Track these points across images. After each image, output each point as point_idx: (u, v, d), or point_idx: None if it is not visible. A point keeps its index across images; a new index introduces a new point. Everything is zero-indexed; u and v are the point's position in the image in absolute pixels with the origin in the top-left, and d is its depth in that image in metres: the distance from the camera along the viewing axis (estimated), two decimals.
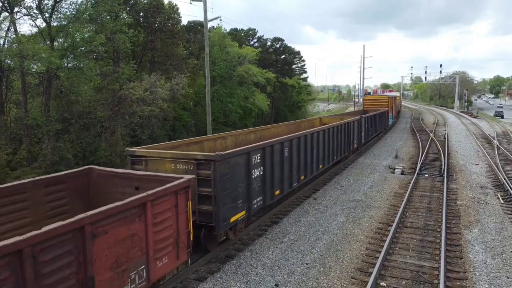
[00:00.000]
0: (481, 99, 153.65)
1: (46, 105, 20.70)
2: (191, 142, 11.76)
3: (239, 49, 39.56)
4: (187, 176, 7.24)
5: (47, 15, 20.70)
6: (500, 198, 14.35)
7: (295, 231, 11.10)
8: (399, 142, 31.15)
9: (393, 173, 19.11)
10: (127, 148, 10.10)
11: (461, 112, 76.06)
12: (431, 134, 34.98)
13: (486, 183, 16.73)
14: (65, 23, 20.83)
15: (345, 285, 8.04)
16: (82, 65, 21.34)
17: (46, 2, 20.77)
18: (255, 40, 53.47)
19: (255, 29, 53.43)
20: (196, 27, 39.47)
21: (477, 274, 8.45)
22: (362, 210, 13.14)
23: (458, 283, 8.04)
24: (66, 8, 21.38)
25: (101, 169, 8.12)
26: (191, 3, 23.28)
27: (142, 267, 6.13)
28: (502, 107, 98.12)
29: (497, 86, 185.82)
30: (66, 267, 4.91)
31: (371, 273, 8.17)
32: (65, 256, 4.89)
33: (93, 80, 23.02)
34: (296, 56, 58.49)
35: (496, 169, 19.15)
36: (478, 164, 21.17)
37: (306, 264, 9.02)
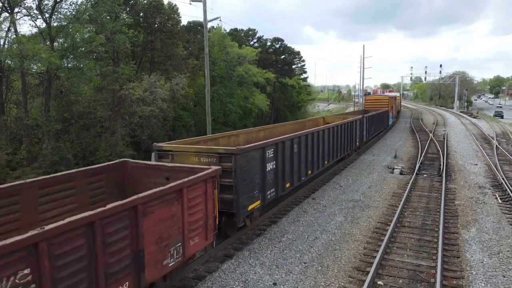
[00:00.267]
0: (481, 99, 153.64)
1: (46, 105, 20.77)
2: (208, 139, 12.85)
3: (239, 49, 39.62)
4: (214, 167, 8.15)
5: (47, 15, 20.78)
6: (498, 198, 14.41)
7: (294, 231, 11.16)
8: (398, 142, 31.21)
9: (392, 173, 19.17)
10: (155, 143, 10.85)
11: (461, 112, 76.12)
12: (431, 134, 35.05)
13: (484, 183, 16.80)
14: (65, 23, 20.92)
15: (342, 284, 8.10)
16: (82, 65, 21.42)
17: (46, 2, 20.86)
18: (255, 40, 53.52)
19: (255, 29, 53.51)
20: (196, 28, 39.55)
21: (474, 273, 8.52)
22: (360, 210, 13.20)
23: (454, 282, 8.11)
24: (66, 8, 21.49)
25: (135, 162, 9.14)
26: (190, 4, 23.36)
27: (179, 244, 7.04)
28: (501, 107, 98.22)
29: (497, 86, 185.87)
30: (123, 239, 5.78)
31: (369, 272, 8.23)
32: (123, 230, 5.77)
33: (93, 80, 23.10)
34: (296, 56, 58.54)
35: (495, 169, 19.22)
36: (477, 164, 21.23)
37: (304, 263, 9.09)
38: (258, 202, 10.59)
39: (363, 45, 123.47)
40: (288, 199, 13.91)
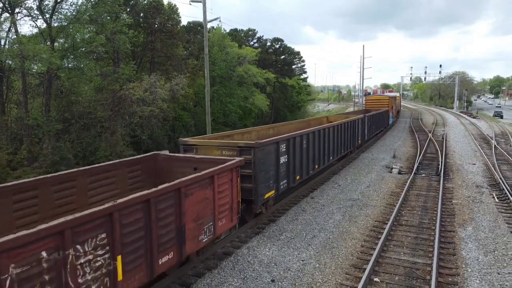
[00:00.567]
0: (481, 99, 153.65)
1: (46, 105, 20.89)
2: (224, 136, 14.07)
3: (239, 50, 39.73)
4: (238, 158, 9.31)
5: (47, 15, 20.91)
6: (495, 197, 14.52)
7: (292, 229, 11.27)
8: (397, 142, 31.32)
9: (391, 172, 19.28)
10: (180, 138, 12.33)
11: (460, 112, 76.17)
12: (430, 134, 35.14)
13: (482, 183, 16.91)
14: (66, 23, 21.05)
15: (339, 281, 8.22)
16: (82, 65, 21.56)
17: (46, 3, 20.98)
18: (255, 41, 53.66)
19: (254, 30, 53.66)
20: (196, 28, 39.67)
21: (469, 270, 8.63)
22: (358, 208, 13.31)
23: (450, 279, 8.22)
24: (67, 9, 21.63)
25: (165, 154, 10.36)
26: (190, 4, 23.48)
27: (211, 223, 8.16)
28: (500, 107, 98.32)
29: (497, 86, 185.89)
30: (170, 215, 6.90)
31: (365, 269, 8.34)
32: (170, 207, 6.87)
33: (93, 81, 23.23)
34: (296, 56, 58.67)
35: (493, 168, 19.33)
36: (475, 164, 21.34)
37: (302, 260, 9.20)
38: (273, 191, 11.71)
39: (363, 45, 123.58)
40: (287, 198, 14.02)
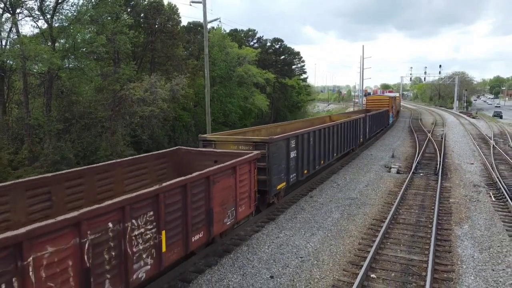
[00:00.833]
0: (480, 99, 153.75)
1: (47, 105, 21.02)
2: (237, 133, 15.11)
3: (239, 50, 39.86)
4: (256, 151, 10.37)
5: (48, 16, 21.06)
6: (492, 196, 14.66)
7: (291, 227, 11.41)
8: (396, 141, 31.47)
9: (389, 172, 19.42)
10: (200, 134, 13.58)
11: (460, 112, 76.31)
12: (429, 134, 35.28)
13: (479, 182, 17.05)
14: (67, 24, 21.19)
15: (336, 277, 8.36)
16: (83, 65, 21.67)
17: (47, 3, 21.13)
18: (254, 41, 53.81)
19: (254, 30, 53.80)
20: (196, 28, 39.82)
21: (464, 267, 8.77)
22: (356, 207, 13.45)
23: (445, 275, 8.36)
24: (68, 9, 21.77)
25: (188, 149, 11.41)
26: (190, 5, 23.62)
27: (233, 208, 9.23)
28: (499, 107, 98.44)
29: (497, 87, 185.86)
30: (201, 199, 7.93)
31: (362, 266, 8.48)
32: (200, 192, 7.89)
33: (94, 81, 23.36)
34: (296, 56, 58.81)
35: (490, 168, 19.46)
36: (473, 164, 21.48)
37: (301, 257, 9.34)
38: (284, 183, 12.78)
39: (363, 46, 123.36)
40: (286, 198, 14.16)
